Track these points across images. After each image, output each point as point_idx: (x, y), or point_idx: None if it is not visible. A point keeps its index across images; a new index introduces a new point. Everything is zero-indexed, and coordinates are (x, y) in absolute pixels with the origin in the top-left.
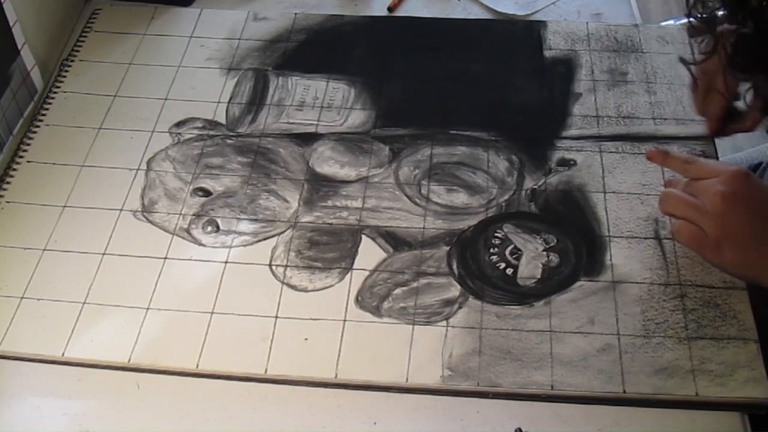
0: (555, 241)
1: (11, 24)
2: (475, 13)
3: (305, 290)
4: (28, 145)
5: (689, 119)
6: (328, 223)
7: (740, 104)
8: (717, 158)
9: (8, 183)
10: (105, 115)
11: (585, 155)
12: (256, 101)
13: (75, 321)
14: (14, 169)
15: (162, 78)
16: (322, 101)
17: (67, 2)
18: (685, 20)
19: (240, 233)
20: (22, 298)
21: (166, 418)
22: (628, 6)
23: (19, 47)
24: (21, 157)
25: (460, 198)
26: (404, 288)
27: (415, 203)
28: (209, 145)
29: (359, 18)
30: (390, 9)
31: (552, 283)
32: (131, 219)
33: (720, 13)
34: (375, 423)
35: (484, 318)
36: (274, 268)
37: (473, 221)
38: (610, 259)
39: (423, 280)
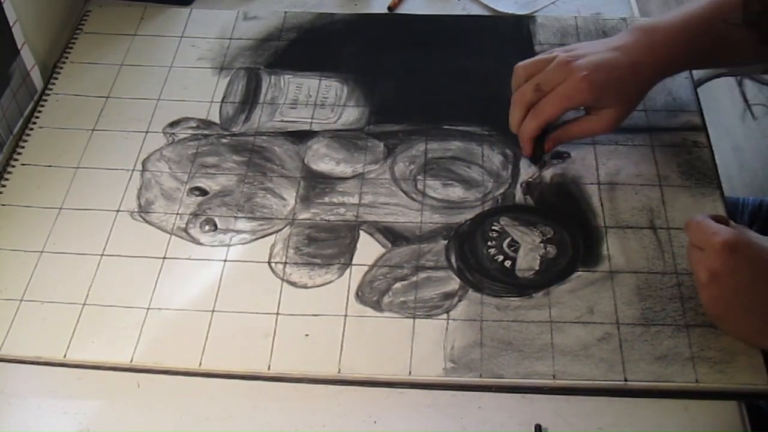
0: (552, 232)
1: (11, 24)
2: (475, 12)
3: (305, 287)
4: (23, 147)
5: (680, 110)
6: (326, 220)
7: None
8: (711, 152)
9: (3, 186)
10: (98, 116)
11: (578, 147)
12: (249, 100)
13: (76, 323)
14: (9, 172)
15: (154, 78)
16: (315, 99)
17: (66, 2)
18: None
19: (238, 231)
20: (21, 300)
21: (166, 418)
22: (627, 6)
23: (19, 47)
24: (15, 159)
25: (456, 192)
26: (404, 282)
27: (412, 198)
28: (204, 145)
29: (349, 16)
30: (390, 8)
31: (550, 274)
32: (128, 220)
33: None
34: (375, 422)
35: (485, 310)
36: (273, 265)
37: (470, 215)
38: (607, 250)
39: (422, 274)
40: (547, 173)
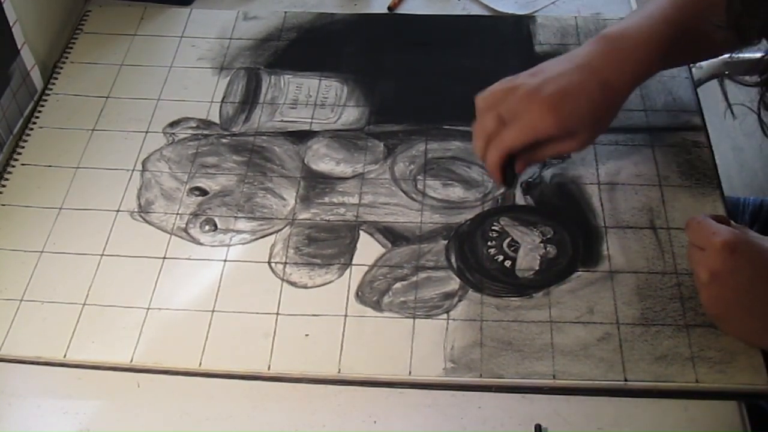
0: (552, 232)
1: (11, 24)
2: (475, 12)
3: (305, 287)
4: (23, 147)
5: (680, 110)
6: (326, 220)
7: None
8: (711, 152)
9: (3, 186)
10: (98, 116)
11: None
12: (249, 100)
13: (76, 323)
14: (9, 172)
15: (154, 78)
16: (315, 99)
17: (66, 2)
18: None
19: (238, 231)
20: (21, 300)
21: (166, 418)
22: (627, 6)
23: (19, 47)
24: (16, 159)
25: (456, 192)
26: (404, 282)
27: (412, 198)
28: (204, 145)
29: (349, 16)
30: (390, 8)
31: (550, 274)
32: (128, 220)
33: None
34: (375, 422)
35: (485, 310)
36: (273, 265)
37: (470, 215)
38: (607, 250)
39: (422, 274)
40: (547, 173)
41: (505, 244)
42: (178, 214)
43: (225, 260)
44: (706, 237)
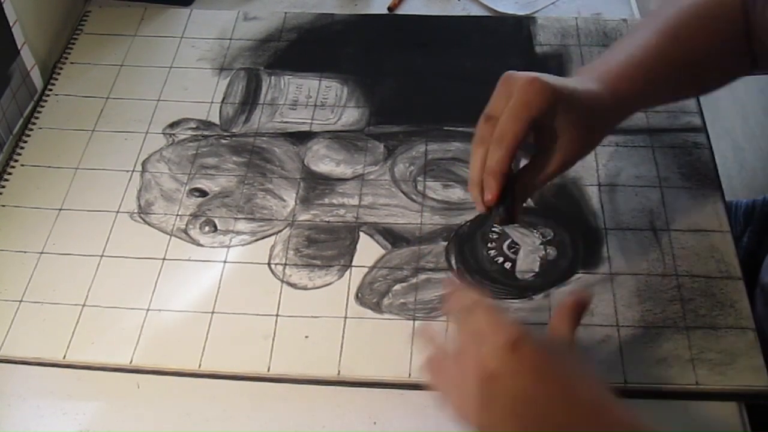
0: (552, 234)
1: (11, 24)
2: (475, 12)
3: (305, 288)
4: (22, 148)
5: (680, 111)
6: (326, 221)
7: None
8: (712, 153)
9: (3, 186)
10: (98, 117)
11: None
12: (249, 101)
13: (75, 324)
14: (9, 173)
15: (154, 79)
16: (315, 100)
17: (66, 2)
18: None
19: (238, 233)
20: (20, 301)
21: (165, 418)
22: (627, 6)
23: (19, 47)
24: (15, 160)
25: (456, 193)
26: (404, 284)
27: (412, 199)
28: (204, 146)
29: (349, 16)
30: (390, 9)
31: (550, 276)
32: (128, 221)
33: None
34: (375, 423)
35: None
36: (273, 266)
37: (470, 216)
38: (607, 251)
39: (422, 276)
40: None
41: (505, 246)
42: (177, 215)
43: (225, 261)
44: (481, 329)
